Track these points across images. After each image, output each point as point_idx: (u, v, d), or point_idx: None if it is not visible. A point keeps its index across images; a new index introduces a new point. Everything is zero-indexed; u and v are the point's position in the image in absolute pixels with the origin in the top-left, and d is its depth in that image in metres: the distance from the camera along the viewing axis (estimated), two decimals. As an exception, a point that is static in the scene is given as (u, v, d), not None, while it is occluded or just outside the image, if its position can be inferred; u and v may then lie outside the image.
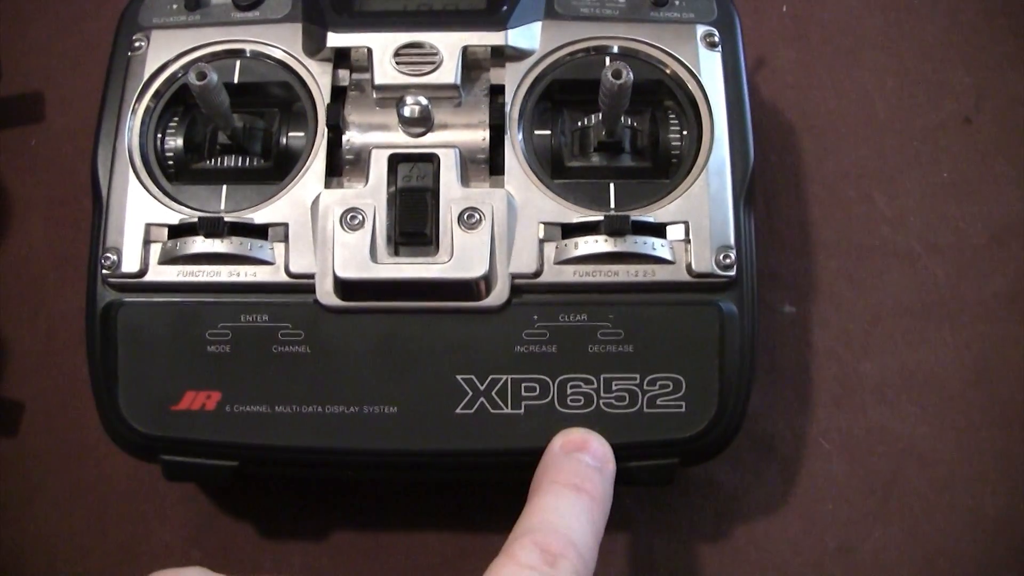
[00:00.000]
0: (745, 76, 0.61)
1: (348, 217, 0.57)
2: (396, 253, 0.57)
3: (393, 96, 0.59)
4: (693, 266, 0.56)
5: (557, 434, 0.54)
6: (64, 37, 0.76)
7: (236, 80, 0.61)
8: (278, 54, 0.61)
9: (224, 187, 0.59)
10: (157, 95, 0.61)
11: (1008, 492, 0.65)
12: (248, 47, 0.61)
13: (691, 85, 0.60)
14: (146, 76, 0.61)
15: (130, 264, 0.57)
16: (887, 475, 0.65)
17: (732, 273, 0.57)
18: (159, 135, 0.61)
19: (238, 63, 0.61)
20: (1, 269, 0.71)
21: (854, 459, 0.66)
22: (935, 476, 0.65)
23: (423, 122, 0.58)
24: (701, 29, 0.61)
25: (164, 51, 0.61)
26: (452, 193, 0.57)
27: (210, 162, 0.60)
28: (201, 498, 0.65)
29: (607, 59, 0.61)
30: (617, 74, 0.54)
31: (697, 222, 0.57)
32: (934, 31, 0.75)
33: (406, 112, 0.58)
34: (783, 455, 0.66)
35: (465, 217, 0.57)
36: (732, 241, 0.57)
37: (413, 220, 0.57)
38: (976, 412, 0.66)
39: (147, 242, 0.57)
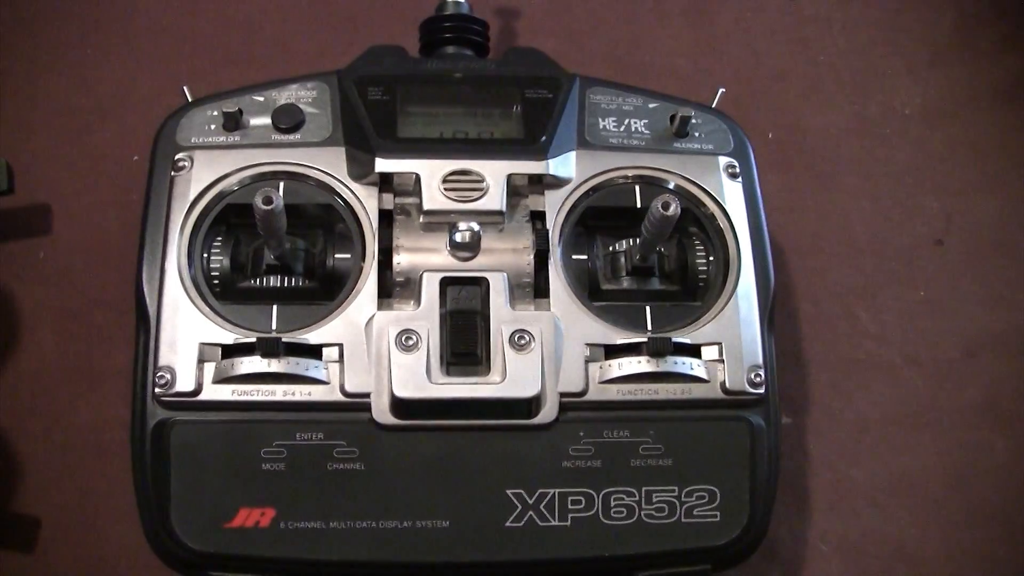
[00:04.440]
0: (762, 204, 0.65)
1: (403, 338, 0.59)
2: (448, 373, 0.59)
3: (441, 221, 0.61)
4: (727, 384, 0.60)
5: None
6: (69, 150, 0.77)
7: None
8: (323, 177, 0.63)
9: (275, 307, 0.60)
10: (203, 214, 0.62)
11: (990, 590, 0.70)
12: (293, 169, 0.63)
13: (718, 214, 0.64)
14: (192, 195, 0.62)
15: (185, 383, 0.58)
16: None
17: (762, 391, 0.60)
18: (204, 254, 0.62)
19: (282, 185, 0.63)
20: (12, 383, 0.70)
21: (849, 561, 0.70)
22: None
23: (473, 247, 0.60)
24: (723, 161, 0.65)
25: (208, 171, 0.62)
26: (501, 315, 0.60)
27: (255, 281, 0.61)
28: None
29: (637, 188, 0.64)
30: (666, 206, 0.57)
31: (730, 343, 0.61)
32: (904, 159, 0.81)
33: (458, 238, 0.60)
34: (784, 558, 0.70)
35: (516, 339, 0.59)
36: (761, 360, 0.61)
37: (465, 341, 0.59)
38: (958, 514, 0.72)
39: (201, 361, 0.58)
